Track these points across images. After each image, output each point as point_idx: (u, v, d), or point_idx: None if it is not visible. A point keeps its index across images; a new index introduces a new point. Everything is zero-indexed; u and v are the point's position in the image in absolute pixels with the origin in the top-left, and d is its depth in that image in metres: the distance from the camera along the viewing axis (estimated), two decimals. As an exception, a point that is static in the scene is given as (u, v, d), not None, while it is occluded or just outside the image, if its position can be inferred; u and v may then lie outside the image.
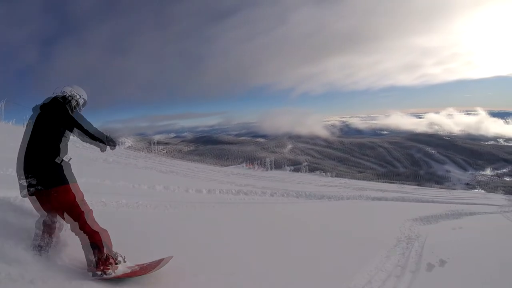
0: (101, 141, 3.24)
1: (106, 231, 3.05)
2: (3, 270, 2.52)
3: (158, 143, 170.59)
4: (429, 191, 31.52)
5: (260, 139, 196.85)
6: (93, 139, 3.19)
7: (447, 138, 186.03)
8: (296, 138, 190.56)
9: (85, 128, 3.11)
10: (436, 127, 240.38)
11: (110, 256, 2.99)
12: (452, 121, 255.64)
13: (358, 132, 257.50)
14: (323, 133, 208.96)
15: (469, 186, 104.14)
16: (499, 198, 27.99)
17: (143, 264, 3.22)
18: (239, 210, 8.35)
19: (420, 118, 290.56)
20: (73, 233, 2.99)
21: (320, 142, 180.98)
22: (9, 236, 2.92)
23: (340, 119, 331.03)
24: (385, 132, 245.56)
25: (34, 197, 2.90)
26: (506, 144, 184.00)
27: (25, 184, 2.89)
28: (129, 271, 3.06)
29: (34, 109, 3.10)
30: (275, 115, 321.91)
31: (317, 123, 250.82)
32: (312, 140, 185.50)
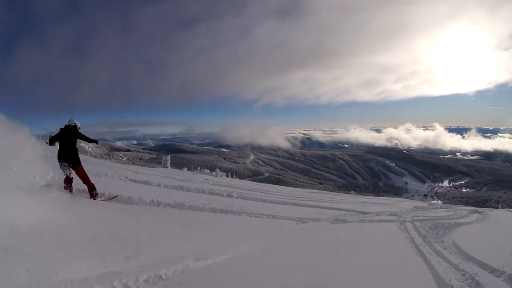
0: (92, 141, 7.89)
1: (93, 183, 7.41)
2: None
3: (119, 149, 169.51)
4: (327, 195, 24.87)
5: (223, 149, 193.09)
6: (88, 142, 7.83)
7: (405, 151, 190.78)
8: (258, 149, 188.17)
9: (85, 137, 7.53)
10: (395, 141, 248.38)
11: (97, 193, 7.38)
12: (410, 136, 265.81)
13: (320, 144, 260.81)
14: (285, 144, 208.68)
15: (426, 197, 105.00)
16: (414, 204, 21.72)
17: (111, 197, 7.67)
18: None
19: (380, 132, 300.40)
20: (82, 183, 7.29)
21: (282, 154, 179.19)
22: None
23: (303, 131, 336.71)
24: (346, 145, 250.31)
25: (65, 166, 7.02)
26: (463, 157, 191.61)
27: (63, 164, 6.98)
28: (111, 197, 7.64)
29: (61, 129, 7.27)
30: (237, 126, 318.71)
31: (280, 135, 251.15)
32: (275, 151, 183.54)
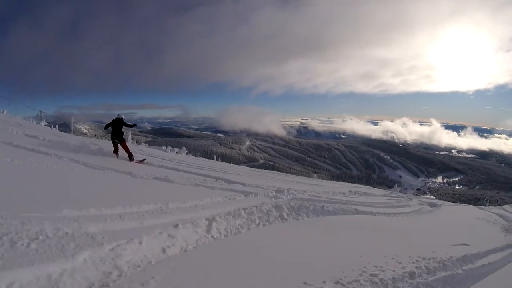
0: (132, 126, 12.67)
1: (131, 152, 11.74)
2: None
3: None
4: (243, 169, 21.25)
5: (220, 135, 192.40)
6: (130, 127, 12.52)
7: (401, 145, 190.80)
8: (254, 135, 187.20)
9: (127, 124, 11.99)
10: (391, 134, 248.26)
11: (133, 158, 11.54)
12: (407, 130, 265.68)
13: (316, 134, 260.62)
14: (281, 132, 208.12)
15: (419, 191, 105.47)
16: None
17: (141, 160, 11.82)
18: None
19: (376, 125, 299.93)
20: (124, 153, 11.58)
21: (278, 141, 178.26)
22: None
23: (300, 120, 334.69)
24: (342, 136, 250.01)
25: (116, 144, 11.66)
26: (458, 155, 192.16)
27: (115, 141, 11.61)
28: (140, 160, 11.79)
29: (113, 120, 11.71)
30: (234, 112, 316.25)
31: (276, 122, 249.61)
32: (271, 138, 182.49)
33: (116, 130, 11.58)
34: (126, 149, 11.63)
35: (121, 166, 9.71)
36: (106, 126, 11.91)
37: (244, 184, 9.95)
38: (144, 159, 12.04)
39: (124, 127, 11.94)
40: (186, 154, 22.04)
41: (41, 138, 12.43)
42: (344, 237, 5.64)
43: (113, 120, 11.75)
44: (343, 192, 12.90)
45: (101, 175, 8.02)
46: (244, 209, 6.34)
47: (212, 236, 4.71)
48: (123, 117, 11.92)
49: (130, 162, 11.32)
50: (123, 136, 11.94)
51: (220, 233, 4.90)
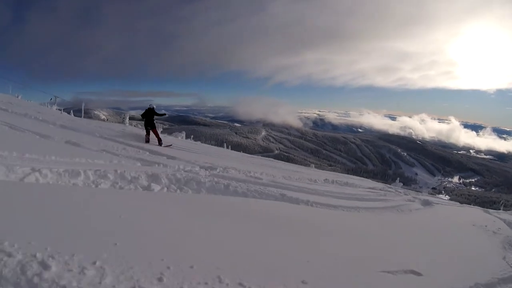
0: (163, 115, 16.39)
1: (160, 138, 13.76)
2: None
3: (132, 118, 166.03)
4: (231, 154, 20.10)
5: (236, 124, 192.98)
6: (160, 116, 15.32)
7: (418, 142, 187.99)
8: (270, 126, 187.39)
9: (158, 113, 14.49)
10: (409, 130, 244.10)
11: (162, 143, 13.36)
12: (425, 127, 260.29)
13: (333, 127, 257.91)
14: (297, 124, 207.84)
15: (435, 190, 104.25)
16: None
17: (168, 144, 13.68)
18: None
19: (394, 120, 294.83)
20: (155, 138, 13.50)
21: (294, 133, 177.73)
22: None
23: (317, 112, 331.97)
24: (359, 130, 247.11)
25: (148, 130, 13.50)
26: (476, 155, 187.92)
27: (147, 128, 13.45)
28: (167, 145, 13.48)
29: (146, 110, 13.71)
30: (250, 101, 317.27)
31: (292, 113, 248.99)
32: (287, 129, 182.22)
33: (148, 118, 13.34)
34: (156, 134, 13.52)
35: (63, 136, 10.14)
36: (142, 115, 13.67)
37: (173, 158, 10.30)
38: (171, 144, 13.86)
39: (155, 116, 13.72)
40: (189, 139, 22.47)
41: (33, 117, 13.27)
42: (201, 223, 4.23)
43: (146, 109, 13.62)
44: (315, 180, 11.92)
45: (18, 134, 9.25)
46: (104, 171, 6.12)
47: (22, 180, 5.03)
48: (154, 107, 13.81)
49: (159, 146, 12.93)
50: (154, 123, 13.64)
51: (37, 180, 5.21)
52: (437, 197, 25.55)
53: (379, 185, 18.20)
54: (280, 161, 23.82)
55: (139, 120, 17.92)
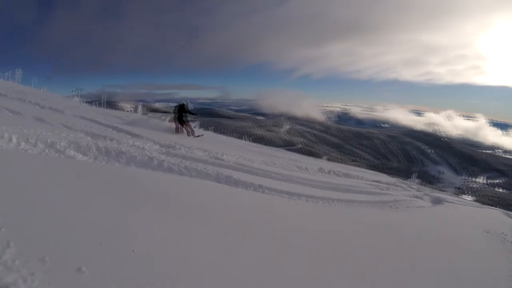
0: (193, 114, 16.29)
1: (194, 130, 14.81)
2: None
3: (157, 111, 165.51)
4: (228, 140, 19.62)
5: (259, 117, 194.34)
6: (191, 114, 15.24)
7: (444, 139, 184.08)
8: (294, 119, 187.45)
9: (189, 111, 14.79)
10: (435, 127, 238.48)
11: (192, 134, 14.16)
12: (451, 124, 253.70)
13: (357, 121, 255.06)
14: (321, 117, 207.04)
15: (459, 190, 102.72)
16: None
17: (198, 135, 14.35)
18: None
19: (420, 116, 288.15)
20: (188, 129, 14.34)
21: (317, 126, 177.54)
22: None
23: (342, 106, 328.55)
24: (385, 125, 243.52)
25: (178, 123, 14.28)
26: (503, 155, 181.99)
27: (179, 122, 14.21)
28: (198, 135, 14.36)
29: (180, 105, 14.48)
30: (273, 94, 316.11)
31: (316, 107, 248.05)
32: (310, 123, 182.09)
33: (180, 114, 14.33)
34: (188, 127, 14.47)
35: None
36: (174, 111, 14.70)
37: (137, 136, 9.73)
38: (202, 135, 15.15)
39: (186, 112, 14.55)
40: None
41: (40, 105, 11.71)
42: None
43: (179, 106, 14.57)
44: (305, 168, 11.31)
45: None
46: (35, 139, 5.67)
47: None
48: (185, 104, 14.70)
49: (189, 137, 14.04)
50: (185, 118, 14.43)
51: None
52: (460, 197, 24.69)
53: (391, 179, 17.18)
54: (292, 152, 23.77)
55: (163, 112, 19.59)
